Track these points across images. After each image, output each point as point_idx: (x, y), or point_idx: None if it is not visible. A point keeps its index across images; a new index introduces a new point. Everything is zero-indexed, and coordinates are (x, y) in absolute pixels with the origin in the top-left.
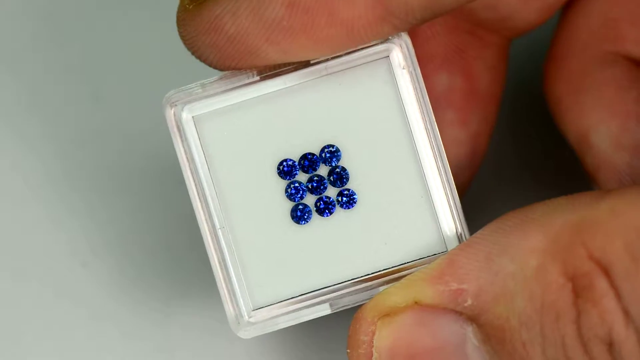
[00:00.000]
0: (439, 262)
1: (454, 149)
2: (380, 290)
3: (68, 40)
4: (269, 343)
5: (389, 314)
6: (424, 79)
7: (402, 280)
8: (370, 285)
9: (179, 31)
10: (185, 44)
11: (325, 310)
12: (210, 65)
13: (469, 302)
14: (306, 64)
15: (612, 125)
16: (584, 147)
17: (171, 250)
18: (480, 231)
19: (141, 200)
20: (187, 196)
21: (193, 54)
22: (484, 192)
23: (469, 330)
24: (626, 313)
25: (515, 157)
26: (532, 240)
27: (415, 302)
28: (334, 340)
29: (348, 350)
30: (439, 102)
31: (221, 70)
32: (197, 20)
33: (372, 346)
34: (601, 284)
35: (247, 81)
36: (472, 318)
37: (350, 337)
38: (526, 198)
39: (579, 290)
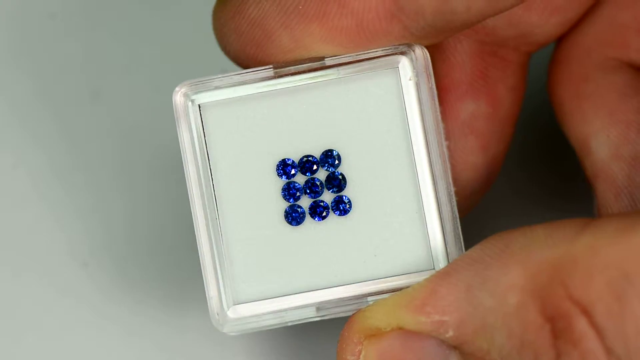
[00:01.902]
0: (420, 290)
1: (471, 174)
2: (369, 300)
3: (69, 39)
4: (267, 344)
5: (375, 334)
6: (450, 106)
7: (385, 302)
8: (356, 294)
9: (212, 22)
10: (215, 33)
11: (310, 313)
12: (232, 56)
13: (451, 333)
14: (320, 65)
15: (612, 133)
16: (584, 152)
17: (171, 250)
18: (462, 257)
19: (142, 200)
20: (188, 196)
21: (219, 43)
22: (487, 202)
23: (453, 356)
24: (610, 352)
25: (521, 165)
26: (511, 276)
27: (399, 327)
28: (329, 345)
29: None
30: (462, 130)
31: (240, 63)
32: (227, 7)
33: None
34: (580, 324)
35: (256, 76)
36: (455, 346)
37: (338, 355)
38: (530, 206)
39: (558, 331)
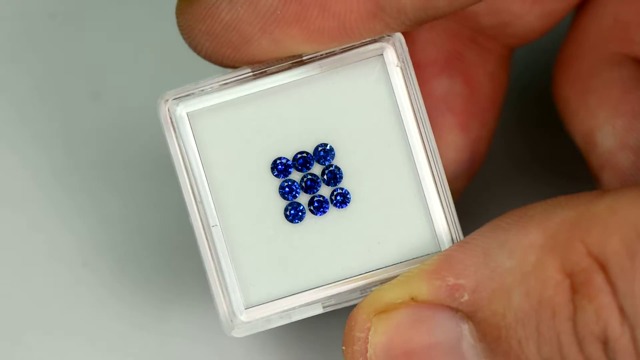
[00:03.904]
0: (436, 258)
1: (453, 154)
2: (374, 290)
3: (69, 39)
4: (267, 340)
5: (384, 310)
6: (424, 83)
7: (399, 277)
8: (364, 285)
9: (177, 20)
10: (182, 33)
11: (317, 309)
12: (204, 56)
13: (466, 297)
14: (299, 61)
15: (617, 124)
16: (590, 147)
17: (171, 249)
18: (478, 230)
19: (142, 200)
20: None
21: (189, 44)
22: (485, 193)
23: (465, 328)
24: (621, 310)
25: (518, 158)
26: (531, 237)
27: (412, 299)
28: (332, 338)
29: (343, 347)
30: (438, 106)
31: (215, 62)
32: (194, 8)
33: (367, 342)
34: (598, 279)
35: (241, 78)
36: (469, 314)
37: (345, 334)
38: (529, 199)
39: (577, 286)
